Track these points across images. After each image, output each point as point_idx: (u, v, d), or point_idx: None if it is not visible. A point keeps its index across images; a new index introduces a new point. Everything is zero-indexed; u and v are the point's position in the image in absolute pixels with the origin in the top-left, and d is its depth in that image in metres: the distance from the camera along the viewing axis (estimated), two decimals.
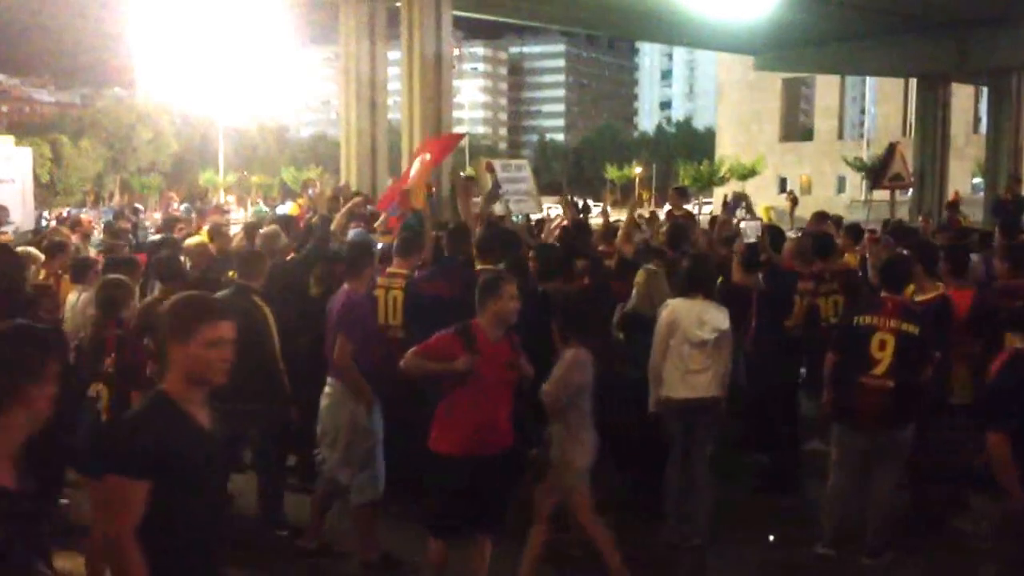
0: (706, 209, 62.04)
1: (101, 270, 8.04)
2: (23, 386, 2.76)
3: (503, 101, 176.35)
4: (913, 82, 43.31)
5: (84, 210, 31.41)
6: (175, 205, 34.52)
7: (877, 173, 22.74)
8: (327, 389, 6.45)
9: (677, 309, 6.61)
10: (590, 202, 41.41)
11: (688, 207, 14.61)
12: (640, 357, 6.77)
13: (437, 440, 5.40)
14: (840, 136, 73.26)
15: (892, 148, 22.04)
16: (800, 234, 9.85)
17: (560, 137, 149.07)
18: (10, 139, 32.23)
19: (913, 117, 43.31)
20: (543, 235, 10.26)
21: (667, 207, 14.59)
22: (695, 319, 6.51)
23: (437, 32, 20.17)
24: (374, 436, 6.36)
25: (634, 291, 7.26)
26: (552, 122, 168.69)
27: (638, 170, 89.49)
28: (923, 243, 8.37)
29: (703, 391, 6.56)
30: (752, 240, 8.91)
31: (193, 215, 16.07)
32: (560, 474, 5.76)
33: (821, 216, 11.71)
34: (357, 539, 6.49)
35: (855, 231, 10.87)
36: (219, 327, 3.31)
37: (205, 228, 10.87)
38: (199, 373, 3.28)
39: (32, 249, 9.01)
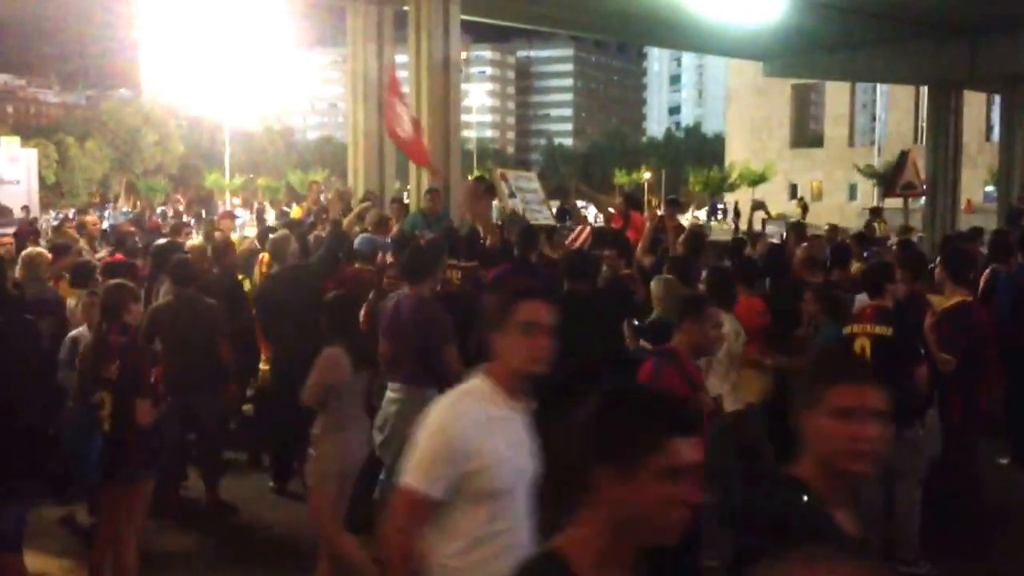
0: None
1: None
2: None
3: (511, 105, 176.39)
4: (924, 89, 43.05)
5: (92, 211, 31.23)
6: (180, 208, 34.35)
7: (889, 181, 22.64)
8: (393, 395, 6.39)
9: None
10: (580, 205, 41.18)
11: (683, 218, 14.21)
12: None
13: None
14: (851, 143, 72.96)
15: (904, 156, 21.90)
16: (807, 244, 9.65)
17: (568, 142, 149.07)
18: (15, 140, 32.32)
19: (924, 124, 43.01)
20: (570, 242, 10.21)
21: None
22: (731, 331, 6.47)
23: (445, 36, 20.01)
24: None
25: (656, 300, 7.16)
26: (560, 126, 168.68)
27: (647, 175, 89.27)
28: (953, 250, 8.25)
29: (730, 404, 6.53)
30: (775, 241, 8.78)
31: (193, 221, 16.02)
32: (308, 472, 5.71)
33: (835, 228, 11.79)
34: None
35: (865, 240, 10.83)
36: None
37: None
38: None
39: (41, 250, 8.95)
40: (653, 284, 7.24)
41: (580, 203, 16.10)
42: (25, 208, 20.71)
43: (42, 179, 42.62)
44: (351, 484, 5.87)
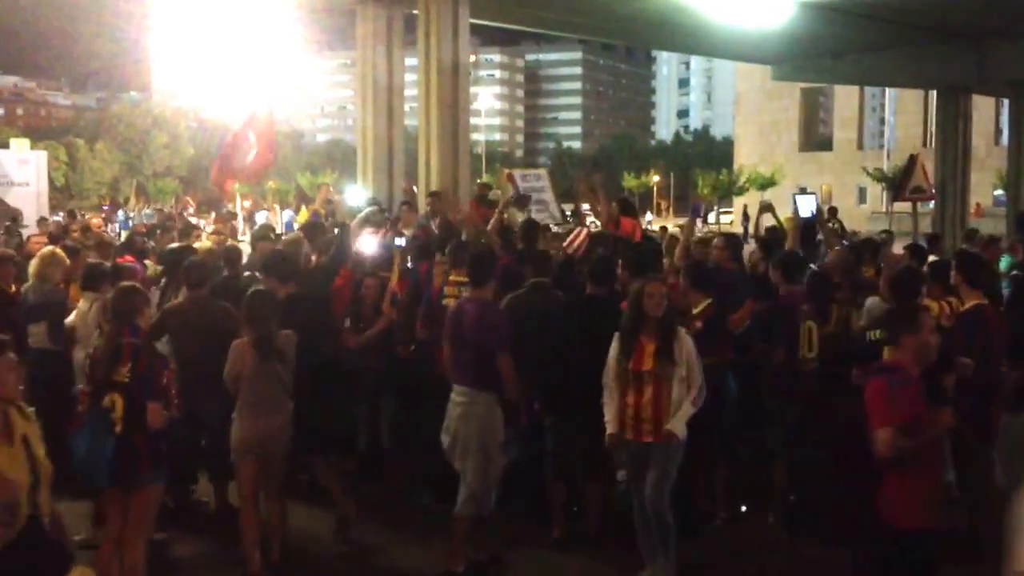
0: (725, 219, 61.84)
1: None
2: None
3: (520, 108, 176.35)
4: (933, 93, 42.98)
5: (103, 209, 31.43)
6: (191, 210, 34.49)
7: (898, 185, 22.55)
8: (459, 398, 6.45)
9: None
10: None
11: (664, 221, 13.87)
12: None
13: (894, 513, 4.57)
14: (860, 146, 72.83)
15: (913, 160, 21.82)
16: (842, 248, 9.54)
17: (577, 145, 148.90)
18: (25, 142, 32.36)
19: (934, 128, 42.92)
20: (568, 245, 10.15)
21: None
22: None
23: (454, 39, 20.01)
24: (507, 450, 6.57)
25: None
26: (569, 130, 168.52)
27: (656, 179, 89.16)
28: (967, 254, 8.22)
29: None
30: (807, 215, 8.73)
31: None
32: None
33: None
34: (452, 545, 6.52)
35: (872, 245, 10.76)
36: None
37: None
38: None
39: (58, 250, 8.94)
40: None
41: (586, 206, 16.05)
42: (44, 219, 20.71)
43: (52, 181, 42.78)
44: (274, 462, 6.46)
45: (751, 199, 61.63)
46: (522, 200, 11.13)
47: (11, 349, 4.55)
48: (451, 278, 7.81)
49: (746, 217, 51.48)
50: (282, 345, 6.43)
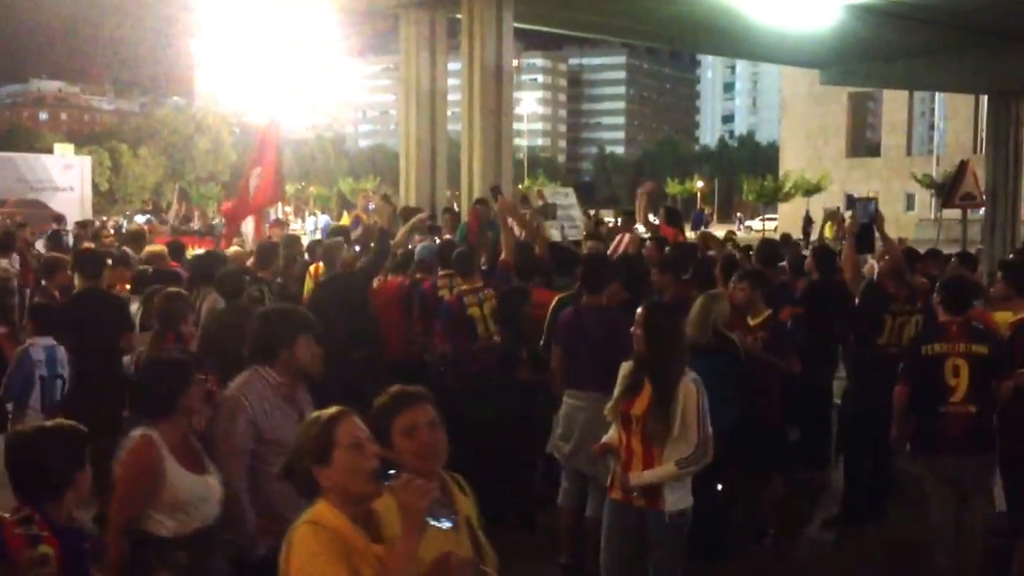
0: (770, 226, 61.24)
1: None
2: None
3: (562, 113, 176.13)
4: (984, 97, 42.24)
5: (147, 216, 31.62)
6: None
7: (948, 191, 22.16)
8: (578, 403, 6.51)
9: None
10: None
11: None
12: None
13: None
14: (908, 152, 71.79)
15: (963, 166, 21.38)
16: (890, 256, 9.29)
17: (620, 150, 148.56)
18: (70, 147, 32.75)
19: (984, 133, 42.18)
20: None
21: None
22: None
23: (498, 44, 19.89)
24: None
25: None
26: (612, 135, 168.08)
27: (699, 184, 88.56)
28: (1017, 265, 8.04)
29: None
30: (864, 220, 8.50)
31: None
32: None
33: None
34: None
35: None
36: None
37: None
38: None
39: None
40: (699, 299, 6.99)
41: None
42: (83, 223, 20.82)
43: (95, 186, 43.25)
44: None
45: (799, 205, 61.00)
46: (549, 210, 11.19)
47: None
48: (464, 287, 7.92)
49: (808, 222, 50.66)
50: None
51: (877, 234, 8.49)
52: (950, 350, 6.04)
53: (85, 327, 7.20)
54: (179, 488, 4.14)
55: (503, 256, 8.89)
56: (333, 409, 3.07)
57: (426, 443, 3.17)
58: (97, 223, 23.58)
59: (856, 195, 67.27)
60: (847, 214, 9.85)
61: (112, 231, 17.06)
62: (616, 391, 5.34)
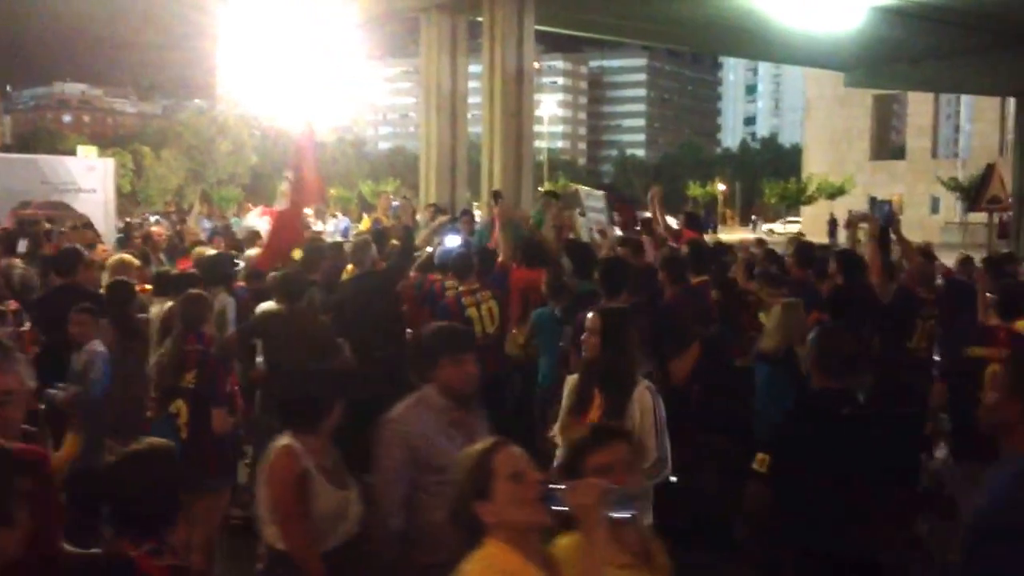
0: (792, 229, 60.79)
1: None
2: None
3: (583, 115, 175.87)
4: (1011, 99, 41.81)
5: (157, 218, 31.68)
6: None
7: (974, 195, 21.98)
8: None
9: None
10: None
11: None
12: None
13: None
14: (934, 155, 71.25)
15: (990, 169, 21.23)
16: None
17: (641, 152, 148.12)
18: (93, 150, 32.83)
19: (1011, 136, 41.75)
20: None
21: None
22: None
23: (519, 46, 19.83)
24: None
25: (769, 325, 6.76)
26: (632, 137, 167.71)
27: (721, 187, 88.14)
28: None
29: None
30: (881, 223, 8.36)
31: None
32: None
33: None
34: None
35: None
36: None
37: None
38: None
39: (128, 256, 9.19)
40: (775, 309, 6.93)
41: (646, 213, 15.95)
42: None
43: (118, 188, 43.44)
44: None
45: (822, 208, 60.61)
46: (569, 200, 11.22)
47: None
48: (461, 288, 7.95)
49: (833, 224, 50.08)
50: None
51: (893, 236, 8.38)
52: (993, 355, 5.86)
53: (61, 324, 7.08)
54: (321, 502, 4.00)
55: (500, 258, 8.88)
56: (487, 440, 2.93)
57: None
58: (139, 221, 23.65)
59: (880, 198, 66.99)
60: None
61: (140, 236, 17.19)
62: (563, 406, 5.03)
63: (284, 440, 4.06)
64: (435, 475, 4.02)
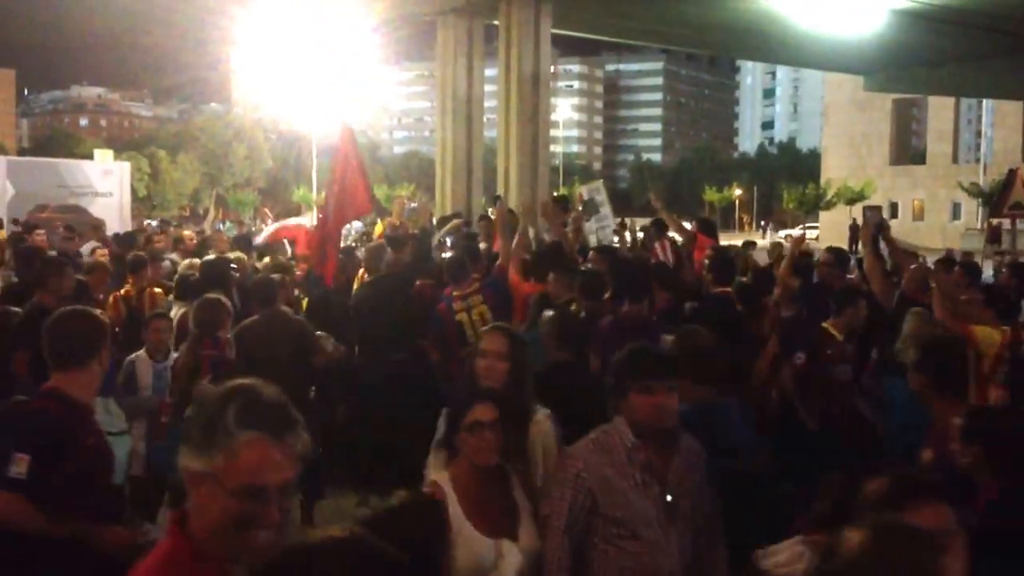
0: (811, 235, 60.28)
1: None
2: None
3: (598, 119, 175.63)
4: None
5: (175, 223, 31.74)
6: (269, 222, 34.47)
7: (996, 200, 21.73)
8: None
9: None
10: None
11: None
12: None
13: None
14: (955, 160, 70.66)
15: (1012, 174, 20.95)
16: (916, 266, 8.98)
17: (657, 157, 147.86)
18: (109, 153, 32.90)
19: None
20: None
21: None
22: None
23: (535, 50, 19.71)
24: None
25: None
26: (648, 141, 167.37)
27: (738, 192, 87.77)
28: None
29: None
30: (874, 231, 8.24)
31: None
32: None
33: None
34: None
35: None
36: None
37: None
38: None
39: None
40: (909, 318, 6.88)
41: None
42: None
43: (134, 192, 43.44)
44: None
45: (841, 214, 60.15)
46: (589, 207, 11.14)
47: None
48: (455, 293, 7.77)
49: (854, 230, 49.52)
50: None
51: (883, 244, 8.34)
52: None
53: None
54: (459, 549, 3.38)
55: (499, 262, 8.74)
56: None
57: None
58: (148, 227, 23.61)
59: (898, 204, 66.49)
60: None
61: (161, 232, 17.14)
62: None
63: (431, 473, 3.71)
64: (610, 525, 3.54)
